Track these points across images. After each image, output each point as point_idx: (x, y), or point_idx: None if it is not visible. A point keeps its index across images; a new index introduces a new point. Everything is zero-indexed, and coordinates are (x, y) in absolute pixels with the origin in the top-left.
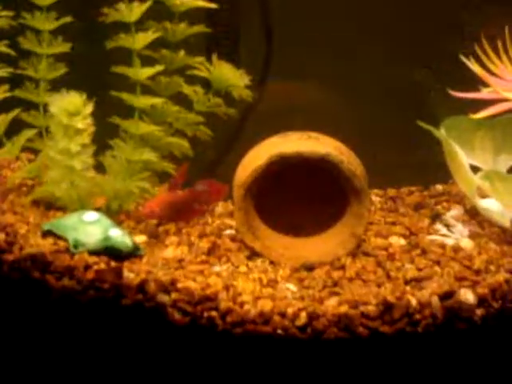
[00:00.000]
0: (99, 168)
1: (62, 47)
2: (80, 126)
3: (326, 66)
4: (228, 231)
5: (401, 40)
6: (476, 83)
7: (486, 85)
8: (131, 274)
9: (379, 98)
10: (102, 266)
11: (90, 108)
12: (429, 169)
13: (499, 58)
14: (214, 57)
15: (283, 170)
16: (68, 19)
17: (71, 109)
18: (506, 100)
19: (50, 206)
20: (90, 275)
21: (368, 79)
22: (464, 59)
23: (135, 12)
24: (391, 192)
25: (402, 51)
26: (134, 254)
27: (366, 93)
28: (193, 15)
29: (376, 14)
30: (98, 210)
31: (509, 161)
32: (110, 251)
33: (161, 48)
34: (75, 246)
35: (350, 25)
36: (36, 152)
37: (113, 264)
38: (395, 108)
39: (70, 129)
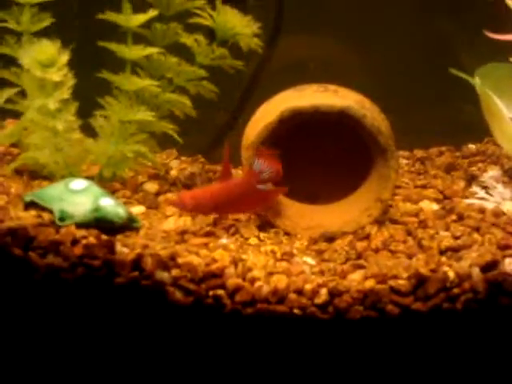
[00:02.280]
0: (89, 131)
1: None
2: (56, 78)
3: (343, 16)
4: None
5: None
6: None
7: None
8: (125, 248)
9: (403, 50)
10: (92, 240)
11: (65, 58)
12: (459, 127)
13: None
14: (218, 1)
15: (297, 127)
16: None
17: (44, 59)
18: None
19: (36, 174)
20: (77, 251)
21: (389, 30)
22: None
23: None
24: (419, 153)
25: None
26: (129, 226)
27: (387, 45)
28: None
29: None
30: (89, 178)
31: None
32: (100, 223)
33: None
34: (61, 219)
35: None
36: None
37: (104, 238)
38: (420, 60)
39: (47, 83)
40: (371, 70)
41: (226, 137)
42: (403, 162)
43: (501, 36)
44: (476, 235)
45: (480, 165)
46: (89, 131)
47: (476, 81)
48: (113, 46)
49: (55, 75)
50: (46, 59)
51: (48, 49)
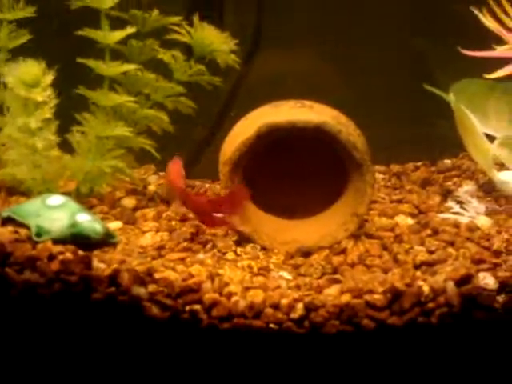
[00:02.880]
0: (66, 146)
1: (25, 12)
2: (39, 98)
3: (320, 32)
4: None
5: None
6: (484, 45)
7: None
8: (102, 264)
9: (379, 66)
10: (69, 255)
11: (50, 78)
12: (435, 142)
13: None
14: (196, 18)
15: (274, 143)
16: None
17: (29, 80)
18: None
19: (13, 190)
20: (54, 266)
21: (366, 46)
22: (477, 13)
23: None
24: (395, 168)
25: (401, 17)
26: (106, 241)
27: (364, 61)
28: None
29: None
30: (66, 194)
31: None
32: (77, 239)
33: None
34: (38, 234)
35: None
36: None
37: (80, 253)
38: (396, 75)
39: (29, 102)
40: (348, 85)
41: (204, 152)
42: (379, 176)
43: (474, 53)
44: (451, 250)
45: (455, 179)
46: (66, 147)
47: (450, 97)
48: (91, 63)
49: (39, 95)
50: (30, 79)
51: (33, 69)
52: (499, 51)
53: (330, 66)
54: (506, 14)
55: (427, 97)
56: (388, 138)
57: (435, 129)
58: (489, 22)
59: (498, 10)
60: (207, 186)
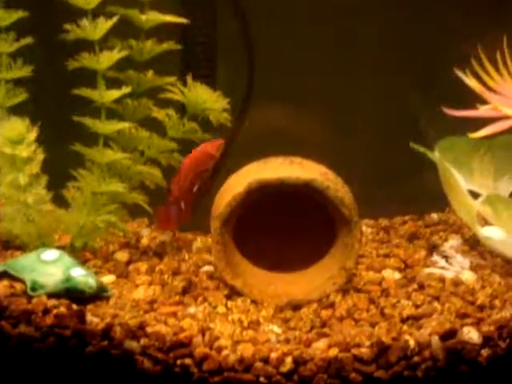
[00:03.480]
0: (60, 201)
1: (23, 71)
2: (24, 154)
3: (311, 90)
4: (206, 267)
5: (389, 64)
6: (470, 103)
7: (483, 102)
8: (95, 318)
9: (368, 124)
10: (63, 309)
11: (34, 134)
12: (423, 197)
13: (498, 72)
14: (189, 78)
15: (264, 198)
16: (28, 40)
17: (13, 137)
18: (505, 117)
19: (9, 244)
20: (49, 320)
21: (356, 104)
22: (460, 74)
23: (100, 29)
24: (383, 222)
25: (391, 75)
26: (99, 295)
27: (354, 118)
28: (166, 33)
29: (364, 39)
30: (61, 248)
31: (511, 184)
32: (71, 293)
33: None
34: (33, 289)
35: (337, 48)
36: None
37: (74, 307)
38: (385, 131)
39: (17, 159)
40: (337, 141)
41: (196, 207)
42: (368, 230)
43: (457, 112)
44: (436, 304)
45: (441, 234)
46: (61, 202)
47: (435, 155)
48: (87, 121)
49: (24, 152)
50: (15, 136)
51: (17, 126)
52: (482, 111)
53: (319, 123)
54: (488, 74)
55: (417, 152)
56: (377, 192)
57: (424, 183)
58: (472, 82)
59: (480, 71)
60: (199, 239)
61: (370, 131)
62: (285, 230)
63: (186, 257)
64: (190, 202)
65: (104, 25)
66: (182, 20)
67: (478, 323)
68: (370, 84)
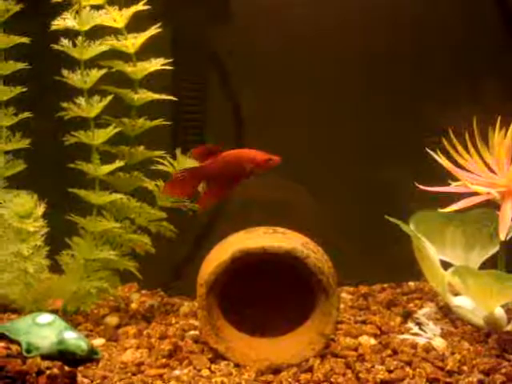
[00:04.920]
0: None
1: (21, 143)
2: (31, 228)
3: (296, 162)
4: (192, 332)
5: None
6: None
7: (455, 179)
8: (86, 379)
9: (351, 196)
10: (55, 370)
11: (41, 209)
12: (402, 265)
13: (467, 151)
14: (178, 151)
15: (248, 266)
16: (26, 114)
17: (22, 211)
18: (476, 194)
19: (5, 308)
20: (42, 381)
21: (339, 177)
22: (431, 152)
23: (96, 108)
24: (363, 289)
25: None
26: (90, 357)
27: (334, 189)
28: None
29: (349, 114)
30: (54, 311)
31: (481, 256)
32: (64, 355)
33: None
34: (28, 350)
35: (322, 121)
36: None
37: (67, 369)
38: (367, 205)
39: (23, 231)
40: (319, 212)
41: (184, 272)
42: (348, 297)
43: (429, 188)
44: (408, 369)
45: (417, 301)
46: (55, 268)
47: (409, 227)
48: (81, 193)
49: (31, 226)
50: (23, 211)
51: (26, 202)
52: (452, 187)
53: (303, 194)
54: (458, 153)
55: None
56: (359, 260)
57: (404, 252)
58: (442, 160)
59: (451, 150)
60: (186, 303)
61: (353, 202)
62: (267, 296)
63: (173, 321)
64: (223, 187)
65: (99, 104)
66: (171, 97)
67: None
68: (353, 157)
